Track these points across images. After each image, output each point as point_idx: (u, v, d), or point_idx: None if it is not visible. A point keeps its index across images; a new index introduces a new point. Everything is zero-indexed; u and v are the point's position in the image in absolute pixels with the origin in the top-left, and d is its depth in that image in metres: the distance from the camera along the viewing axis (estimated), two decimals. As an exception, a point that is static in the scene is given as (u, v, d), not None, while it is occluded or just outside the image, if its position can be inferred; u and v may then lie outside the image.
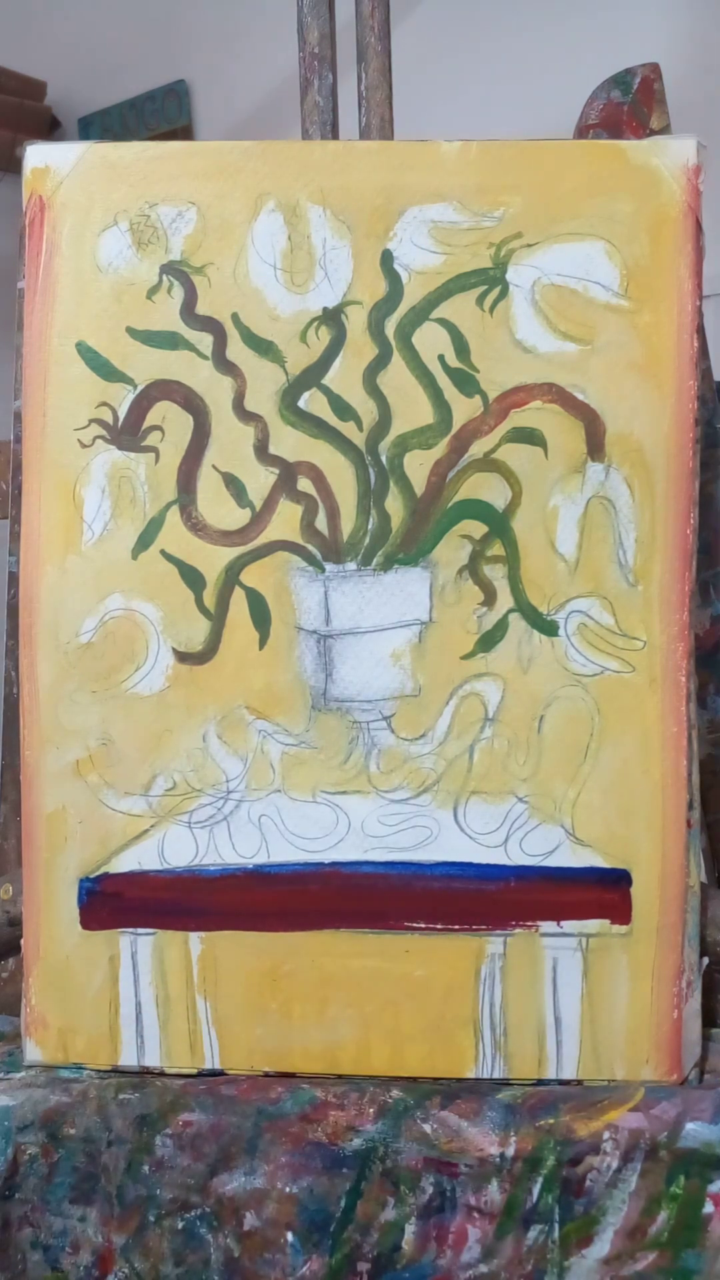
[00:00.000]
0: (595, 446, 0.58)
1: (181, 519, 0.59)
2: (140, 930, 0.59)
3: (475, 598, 0.58)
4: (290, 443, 0.59)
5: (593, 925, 0.57)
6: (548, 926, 0.57)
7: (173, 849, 0.59)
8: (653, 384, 0.57)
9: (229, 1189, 0.54)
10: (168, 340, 0.59)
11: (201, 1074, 0.58)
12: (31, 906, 0.59)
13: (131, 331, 0.59)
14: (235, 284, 0.59)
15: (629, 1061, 0.56)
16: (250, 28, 1.79)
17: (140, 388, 0.59)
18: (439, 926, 0.58)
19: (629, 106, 0.71)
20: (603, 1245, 0.51)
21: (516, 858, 0.57)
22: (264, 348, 0.59)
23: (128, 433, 0.59)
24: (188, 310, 0.59)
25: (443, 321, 0.58)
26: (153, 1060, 0.58)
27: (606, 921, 0.57)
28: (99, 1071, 0.59)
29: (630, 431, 0.57)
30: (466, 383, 0.58)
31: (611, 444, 0.58)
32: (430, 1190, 0.52)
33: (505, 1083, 0.57)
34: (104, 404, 0.59)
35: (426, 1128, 0.52)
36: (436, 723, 0.58)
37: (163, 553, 0.59)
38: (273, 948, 0.58)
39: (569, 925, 0.57)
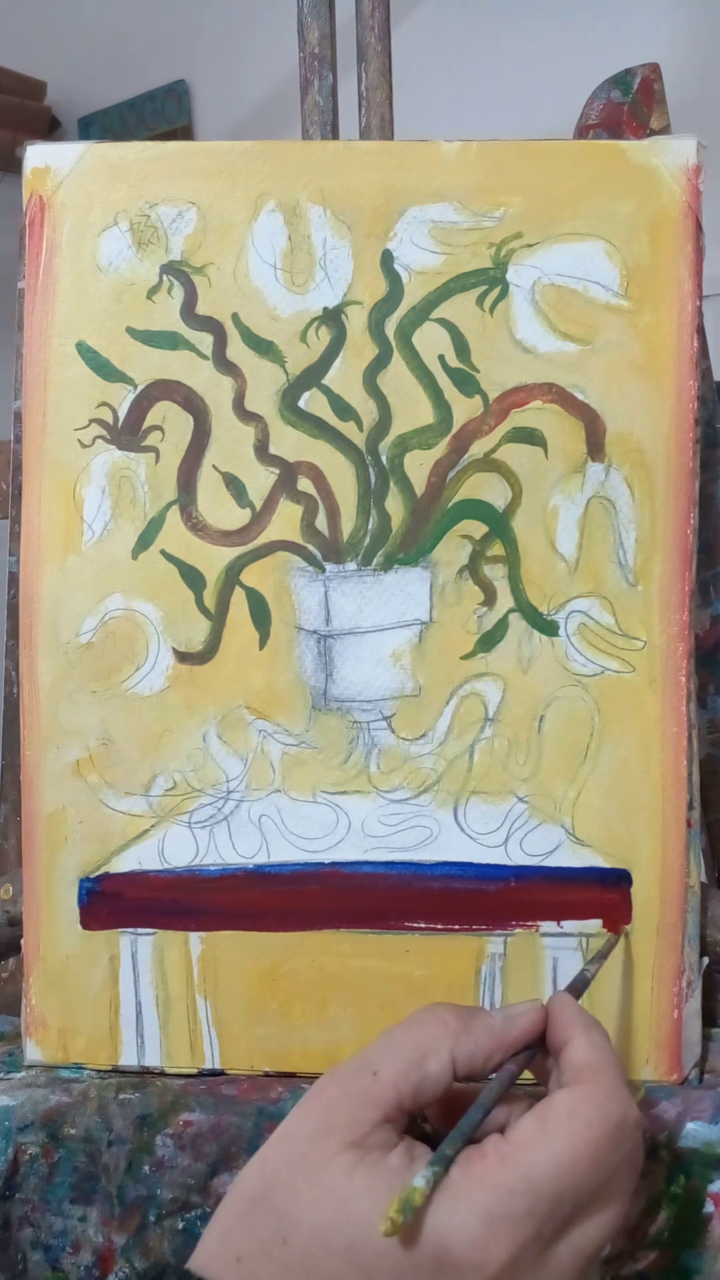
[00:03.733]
0: (595, 446, 0.58)
1: (181, 519, 0.59)
2: (140, 930, 0.59)
3: (475, 598, 0.58)
4: (290, 443, 0.59)
5: (593, 925, 0.57)
6: (548, 926, 0.57)
7: (173, 849, 0.59)
8: (653, 384, 0.57)
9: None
10: (168, 340, 0.59)
11: (201, 1074, 0.58)
12: (31, 906, 0.59)
13: (131, 331, 0.59)
14: (235, 284, 0.59)
15: (629, 1061, 0.56)
16: (250, 28, 1.80)
17: (140, 388, 0.59)
18: (439, 926, 0.58)
19: (629, 106, 0.71)
20: (603, 1245, 0.51)
21: (517, 858, 0.57)
22: (264, 348, 0.59)
23: (128, 433, 0.59)
24: (188, 310, 0.59)
25: (443, 321, 0.58)
26: (153, 1060, 0.58)
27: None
28: (99, 1071, 0.59)
29: (630, 431, 0.57)
30: (466, 383, 0.58)
31: (611, 444, 0.58)
32: (430, 1190, 0.52)
33: (505, 1083, 0.57)
34: (104, 404, 0.59)
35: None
36: (436, 723, 0.58)
37: (163, 553, 0.59)
38: (273, 948, 0.58)
39: (569, 925, 0.57)
